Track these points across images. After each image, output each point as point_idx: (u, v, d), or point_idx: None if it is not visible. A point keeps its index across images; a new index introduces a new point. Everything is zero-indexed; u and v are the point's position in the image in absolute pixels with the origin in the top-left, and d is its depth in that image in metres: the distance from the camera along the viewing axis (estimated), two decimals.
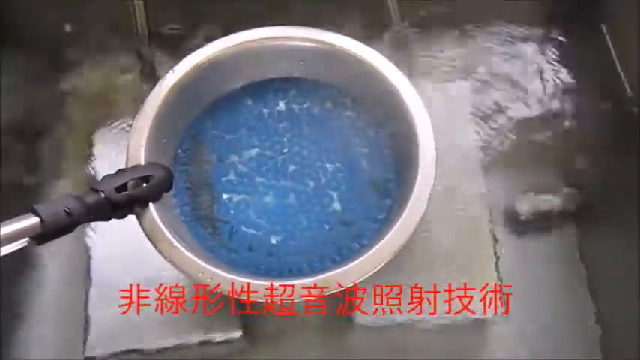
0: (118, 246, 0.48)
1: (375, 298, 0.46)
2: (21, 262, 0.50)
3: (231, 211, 0.44)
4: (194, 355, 0.46)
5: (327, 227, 0.44)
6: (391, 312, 0.46)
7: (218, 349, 0.46)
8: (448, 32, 0.58)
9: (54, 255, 0.50)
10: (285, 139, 0.46)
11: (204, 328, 0.46)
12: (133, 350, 0.45)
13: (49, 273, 0.50)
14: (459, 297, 0.46)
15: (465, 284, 0.46)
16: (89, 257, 0.48)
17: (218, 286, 0.37)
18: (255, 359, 0.47)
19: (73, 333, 0.47)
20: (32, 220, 0.33)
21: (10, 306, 0.49)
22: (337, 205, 0.44)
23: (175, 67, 0.44)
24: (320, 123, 0.47)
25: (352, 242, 0.43)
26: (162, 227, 0.39)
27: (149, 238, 0.39)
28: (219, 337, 0.46)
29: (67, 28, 0.59)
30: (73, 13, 0.59)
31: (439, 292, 0.46)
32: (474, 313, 0.46)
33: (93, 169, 0.53)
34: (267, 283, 0.37)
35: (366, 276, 0.38)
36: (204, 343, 0.45)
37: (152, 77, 0.57)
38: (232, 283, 0.37)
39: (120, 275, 0.47)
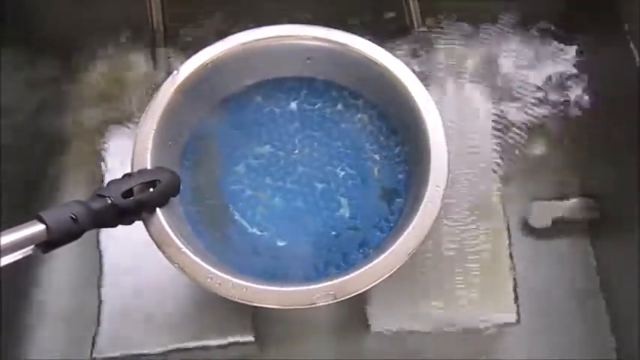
0: (130, 246, 0.47)
1: (387, 304, 0.45)
2: (30, 262, 0.49)
3: (238, 212, 0.43)
4: (205, 357, 0.45)
5: (333, 233, 0.43)
6: (404, 318, 0.46)
7: (230, 352, 0.45)
8: (467, 35, 0.58)
9: (65, 254, 0.49)
10: (296, 140, 0.46)
11: (216, 330, 0.45)
12: (141, 352, 0.45)
13: (58, 273, 0.50)
14: (474, 303, 0.46)
15: (480, 290, 0.46)
16: (101, 257, 0.48)
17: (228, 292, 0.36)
18: None
19: (83, 333, 0.46)
20: (38, 228, 0.31)
21: (19, 308, 0.48)
22: (345, 211, 0.44)
23: (180, 68, 0.43)
24: (331, 125, 0.46)
25: (357, 250, 0.42)
26: (170, 232, 0.38)
27: (156, 244, 0.38)
28: (231, 340, 0.45)
29: (80, 22, 0.58)
30: (86, 7, 0.57)
31: (453, 299, 0.46)
32: (489, 320, 0.46)
33: (103, 166, 0.52)
34: (282, 289, 0.36)
35: (380, 280, 0.37)
36: (216, 346, 0.45)
37: (166, 74, 0.55)
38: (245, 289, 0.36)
39: (128, 276, 0.46)
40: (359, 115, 0.46)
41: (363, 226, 0.43)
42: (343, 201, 0.44)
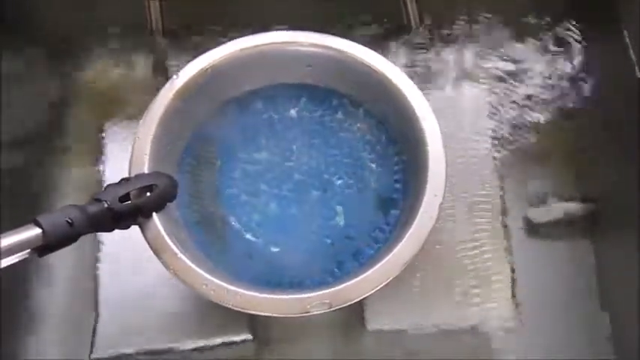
0: (127, 246, 0.46)
1: (386, 304, 0.45)
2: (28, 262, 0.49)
3: (234, 217, 0.44)
4: (202, 357, 0.45)
5: (328, 241, 0.43)
6: (403, 318, 0.46)
7: (228, 352, 0.45)
8: (465, 35, 0.58)
9: (62, 255, 0.49)
10: (294, 147, 0.46)
11: (214, 330, 0.45)
12: (140, 351, 0.45)
13: (57, 272, 0.49)
14: (472, 304, 0.46)
15: (478, 292, 0.46)
16: (97, 257, 0.48)
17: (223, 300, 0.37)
18: None
19: (81, 334, 0.46)
20: (34, 232, 0.31)
21: (17, 306, 0.48)
22: (340, 219, 0.44)
23: (179, 73, 0.43)
24: (330, 133, 0.46)
25: (352, 258, 0.42)
26: (166, 238, 0.38)
27: (152, 249, 0.38)
28: (228, 339, 0.45)
29: (80, 22, 0.57)
30: (86, 8, 0.57)
31: (452, 299, 0.46)
32: (488, 320, 0.46)
33: (101, 169, 0.52)
34: (277, 297, 0.37)
35: (376, 289, 0.37)
36: (214, 346, 0.45)
37: (164, 76, 0.55)
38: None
39: (128, 276, 0.46)
40: (358, 124, 0.46)
41: (358, 235, 0.43)
42: (339, 209, 0.44)
